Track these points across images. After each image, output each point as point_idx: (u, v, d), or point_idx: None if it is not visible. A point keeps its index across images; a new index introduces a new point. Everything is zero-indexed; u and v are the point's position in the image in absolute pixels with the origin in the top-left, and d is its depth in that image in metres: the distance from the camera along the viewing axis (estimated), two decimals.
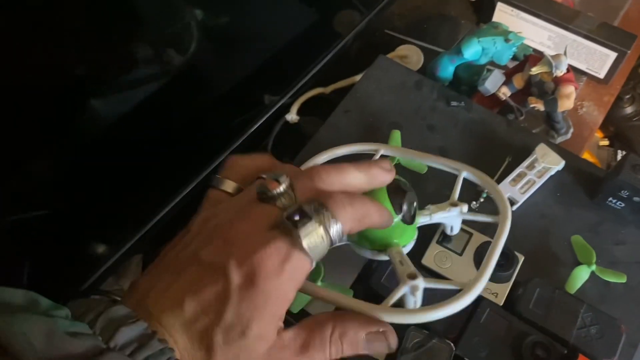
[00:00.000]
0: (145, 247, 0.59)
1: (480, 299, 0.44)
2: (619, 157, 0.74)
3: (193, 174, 0.58)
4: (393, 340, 0.33)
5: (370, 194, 0.37)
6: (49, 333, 0.24)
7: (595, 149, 0.75)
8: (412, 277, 0.35)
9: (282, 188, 0.32)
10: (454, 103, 0.59)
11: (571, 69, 0.58)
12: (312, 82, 0.67)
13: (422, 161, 0.49)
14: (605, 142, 0.75)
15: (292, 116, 0.65)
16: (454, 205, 0.43)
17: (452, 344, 0.41)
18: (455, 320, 0.43)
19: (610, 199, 0.50)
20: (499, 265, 0.45)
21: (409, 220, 0.38)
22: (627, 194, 0.49)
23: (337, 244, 0.32)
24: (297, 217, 0.30)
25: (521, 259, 0.46)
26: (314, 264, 0.31)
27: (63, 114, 0.43)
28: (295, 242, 0.30)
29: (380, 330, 0.33)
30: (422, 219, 0.42)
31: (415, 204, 0.39)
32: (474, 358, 0.42)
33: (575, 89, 0.59)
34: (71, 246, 0.53)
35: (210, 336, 0.29)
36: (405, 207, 0.38)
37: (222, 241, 0.31)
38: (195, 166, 0.58)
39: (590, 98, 0.71)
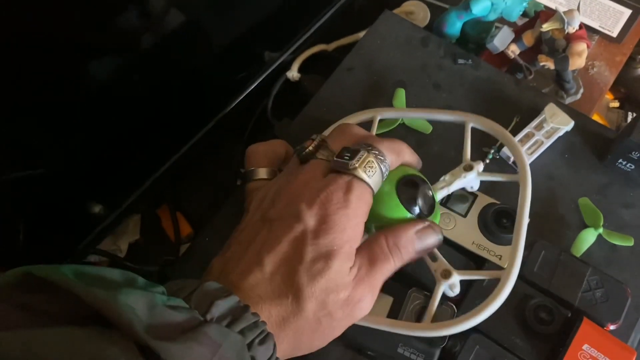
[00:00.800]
0: (142, 206, 0.59)
1: (483, 262, 0.43)
2: (629, 119, 0.72)
3: (190, 133, 0.56)
4: (439, 229, 0.36)
5: (379, 195, 0.36)
6: (150, 305, 0.25)
7: (604, 110, 0.73)
8: (447, 275, 0.37)
9: (317, 142, 0.35)
10: (461, 61, 0.56)
11: (584, 26, 0.56)
12: (314, 38, 0.65)
13: (423, 117, 0.47)
14: (616, 104, 0.73)
15: (293, 74, 0.63)
16: (469, 168, 0.41)
17: (454, 306, 0.41)
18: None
19: (620, 160, 0.49)
20: (503, 227, 0.44)
21: (427, 211, 0.37)
22: (638, 155, 0.48)
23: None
24: (346, 153, 0.33)
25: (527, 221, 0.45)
26: (374, 193, 0.33)
27: (58, 70, 0.41)
28: (352, 173, 0.32)
29: (426, 224, 0.35)
30: (440, 194, 0.41)
31: (430, 193, 0.38)
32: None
33: (588, 46, 0.57)
34: (68, 205, 0.52)
35: (294, 279, 0.30)
36: (420, 201, 0.37)
37: (287, 198, 0.33)
38: (193, 125, 0.57)
39: (601, 58, 0.68)
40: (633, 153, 0.47)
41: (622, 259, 0.46)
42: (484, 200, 0.46)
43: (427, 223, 0.36)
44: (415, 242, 0.35)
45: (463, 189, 0.44)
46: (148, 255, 0.62)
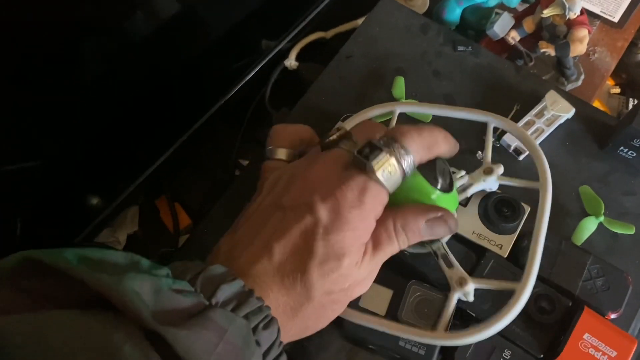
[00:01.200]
0: (140, 198, 0.58)
1: (484, 251, 0.43)
2: (631, 106, 0.71)
3: (188, 123, 0.56)
4: (452, 222, 0.35)
5: None
6: (156, 290, 0.25)
7: (606, 97, 0.73)
8: (463, 283, 0.37)
9: (341, 132, 0.34)
10: (460, 48, 0.56)
11: (585, 11, 0.55)
12: (312, 26, 0.64)
13: (444, 114, 0.46)
14: (617, 90, 0.73)
15: (290, 62, 0.63)
16: (489, 171, 0.41)
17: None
18: None
19: (622, 148, 0.49)
20: (503, 216, 0.43)
21: (448, 187, 0.37)
22: None
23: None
24: (367, 151, 0.32)
25: (527, 209, 0.44)
26: (390, 193, 0.33)
27: (54, 59, 0.41)
28: (370, 174, 0.31)
29: (439, 215, 0.34)
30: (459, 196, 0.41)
31: (447, 168, 0.37)
32: (476, 311, 0.41)
33: (589, 32, 0.56)
34: (65, 197, 0.52)
35: (305, 274, 0.30)
36: (439, 177, 0.36)
37: (301, 186, 0.32)
38: (190, 115, 0.56)
39: (602, 43, 0.67)
40: (635, 140, 0.47)
41: (624, 247, 0.46)
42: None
43: (440, 214, 0.35)
44: (423, 230, 0.34)
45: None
46: (147, 247, 0.62)
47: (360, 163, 0.32)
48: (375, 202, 0.32)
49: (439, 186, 0.36)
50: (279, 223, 0.32)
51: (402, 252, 0.43)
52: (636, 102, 0.70)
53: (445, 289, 0.41)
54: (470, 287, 0.37)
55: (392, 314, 0.41)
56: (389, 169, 0.32)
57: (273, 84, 0.62)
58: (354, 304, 0.41)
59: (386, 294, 0.40)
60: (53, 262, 0.24)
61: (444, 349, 0.40)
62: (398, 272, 0.41)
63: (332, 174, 0.32)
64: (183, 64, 0.53)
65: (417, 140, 0.33)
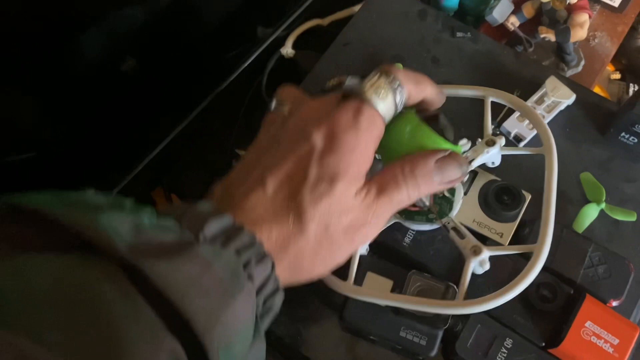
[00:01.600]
0: (136, 189, 0.58)
1: (484, 240, 0.42)
2: (631, 91, 0.70)
3: (184, 113, 0.55)
4: (463, 161, 0.33)
5: (399, 133, 0.34)
6: (136, 227, 0.24)
7: (606, 83, 0.72)
8: (477, 252, 0.37)
9: (338, 79, 0.34)
10: (459, 34, 0.55)
11: None
12: (308, 13, 0.63)
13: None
14: (617, 76, 0.72)
15: (287, 50, 0.62)
16: (491, 143, 0.40)
17: (455, 286, 0.40)
18: (458, 263, 0.42)
19: (623, 134, 0.48)
20: (504, 204, 0.43)
21: (453, 142, 0.36)
22: None
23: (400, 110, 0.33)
24: (359, 80, 0.32)
25: (528, 197, 0.44)
26: (385, 121, 0.32)
27: (50, 46, 0.40)
28: (362, 96, 0.31)
29: (448, 152, 0.33)
30: None
31: (449, 124, 0.36)
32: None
33: (589, 17, 0.55)
34: (61, 189, 0.51)
35: (297, 198, 0.29)
36: (445, 131, 0.35)
37: (296, 122, 0.32)
38: (187, 105, 0.55)
39: (603, 28, 0.67)
40: (636, 126, 0.46)
41: (625, 234, 0.45)
42: (484, 177, 0.45)
43: (449, 151, 0.33)
44: (434, 172, 0.32)
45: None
46: None
47: (351, 89, 0.31)
48: (371, 125, 0.31)
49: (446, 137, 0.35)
50: (273, 157, 0.31)
51: (401, 242, 0.42)
52: (637, 87, 0.70)
53: (445, 278, 0.41)
54: (486, 254, 0.37)
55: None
56: (380, 91, 0.31)
57: (269, 72, 0.61)
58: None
59: (386, 284, 0.40)
60: (28, 202, 0.23)
61: (444, 339, 0.40)
62: (398, 263, 0.41)
63: (328, 106, 0.31)
64: (179, 52, 0.52)
65: (403, 73, 0.33)
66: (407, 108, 0.35)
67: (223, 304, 0.24)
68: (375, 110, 0.31)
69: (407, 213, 0.40)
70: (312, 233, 0.29)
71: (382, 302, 0.38)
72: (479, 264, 0.37)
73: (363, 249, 0.41)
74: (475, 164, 0.41)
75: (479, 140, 0.42)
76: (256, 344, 0.26)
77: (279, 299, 0.29)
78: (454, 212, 0.40)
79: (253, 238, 0.27)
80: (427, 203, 0.39)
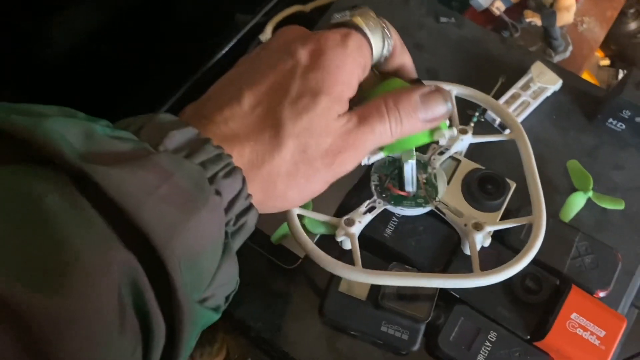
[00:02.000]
0: None
1: None
2: (620, 78, 0.69)
3: (161, 101, 0.53)
4: (448, 95, 0.32)
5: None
6: (88, 134, 0.22)
7: (595, 69, 0.71)
8: (479, 227, 0.37)
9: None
10: (443, 19, 0.54)
11: None
12: None
13: None
14: (606, 62, 0.71)
15: (266, 37, 0.60)
16: (464, 132, 0.40)
17: None
18: (440, 255, 0.41)
19: (611, 120, 0.47)
20: (488, 194, 0.41)
21: None
22: (629, 114, 0.45)
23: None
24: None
25: (513, 186, 0.43)
26: (373, 52, 0.31)
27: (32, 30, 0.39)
28: (352, 23, 0.30)
29: (433, 87, 0.32)
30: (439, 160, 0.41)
31: None
32: (460, 292, 0.39)
33: (576, 1, 0.54)
34: None
35: (276, 112, 0.27)
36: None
37: (281, 40, 0.30)
38: (163, 92, 0.54)
39: (591, 13, 0.65)
40: (624, 112, 0.45)
41: (613, 223, 0.44)
42: (467, 165, 0.44)
43: (433, 86, 0.32)
44: (419, 107, 0.31)
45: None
46: None
47: (340, 17, 0.31)
48: (358, 49, 0.30)
49: None
50: (253, 71, 0.29)
51: (382, 233, 0.41)
52: (626, 72, 0.69)
53: (427, 270, 0.40)
54: (488, 228, 0.37)
55: (373, 297, 0.39)
56: (370, 22, 0.31)
57: None
58: (335, 290, 0.40)
59: None
60: None
61: (427, 333, 0.39)
62: (378, 255, 0.40)
63: (317, 32, 0.31)
64: (153, 40, 0.51)
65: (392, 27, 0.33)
66: (389, 75, 0.34)
67: (184, 216, 0.22)
68: (365, 38, 0.30)
69: (395, 199, 0.39)
70: (289, 151, 0.28)
71: (401, 283, 0.36)
72: (482, 239, 0.37)
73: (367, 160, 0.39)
74: (450, 152, 0.41)
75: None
76: (226, 263, 0.25)
77: (252, 218, 0.27)
78: (442, 190, 0.40)
79: (221, 151, 0.25)
80: (415, 189, 0.39)
